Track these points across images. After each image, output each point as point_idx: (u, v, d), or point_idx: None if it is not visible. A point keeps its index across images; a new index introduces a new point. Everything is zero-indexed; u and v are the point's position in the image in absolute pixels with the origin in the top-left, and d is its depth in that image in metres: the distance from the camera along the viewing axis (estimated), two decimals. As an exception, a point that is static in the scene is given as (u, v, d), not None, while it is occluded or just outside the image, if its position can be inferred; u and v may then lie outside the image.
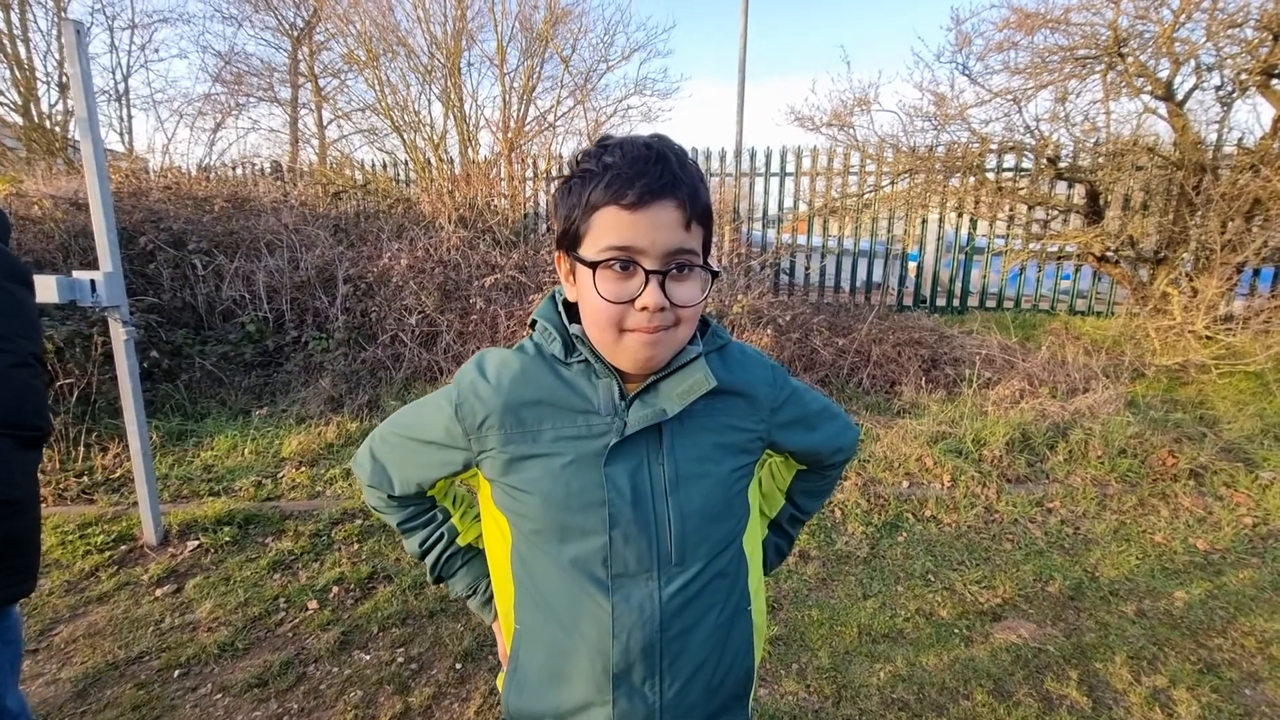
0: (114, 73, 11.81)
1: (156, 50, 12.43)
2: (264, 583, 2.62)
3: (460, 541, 0.99)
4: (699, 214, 0.72)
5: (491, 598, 0.98)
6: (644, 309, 0.70)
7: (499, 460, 0.78)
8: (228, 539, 2.89)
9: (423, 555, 0.98)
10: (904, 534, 3.02)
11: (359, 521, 3.07)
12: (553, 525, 0.77)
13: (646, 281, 0.69)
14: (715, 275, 0.76)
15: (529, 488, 0.77)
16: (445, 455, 0.84)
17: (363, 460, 0.94)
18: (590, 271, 0.70)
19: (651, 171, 0.68)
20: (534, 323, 0.84)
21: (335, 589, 2.57)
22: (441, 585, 1.16)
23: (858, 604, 2.50)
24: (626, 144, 0.71)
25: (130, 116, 9.91)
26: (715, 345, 0.84)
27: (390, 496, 0.92)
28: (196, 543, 2.86)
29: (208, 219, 5.39)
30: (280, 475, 3.55)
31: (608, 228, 0.69)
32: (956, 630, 2.34)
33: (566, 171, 0.77)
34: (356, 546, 2.89)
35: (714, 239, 0.79)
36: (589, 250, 0.71)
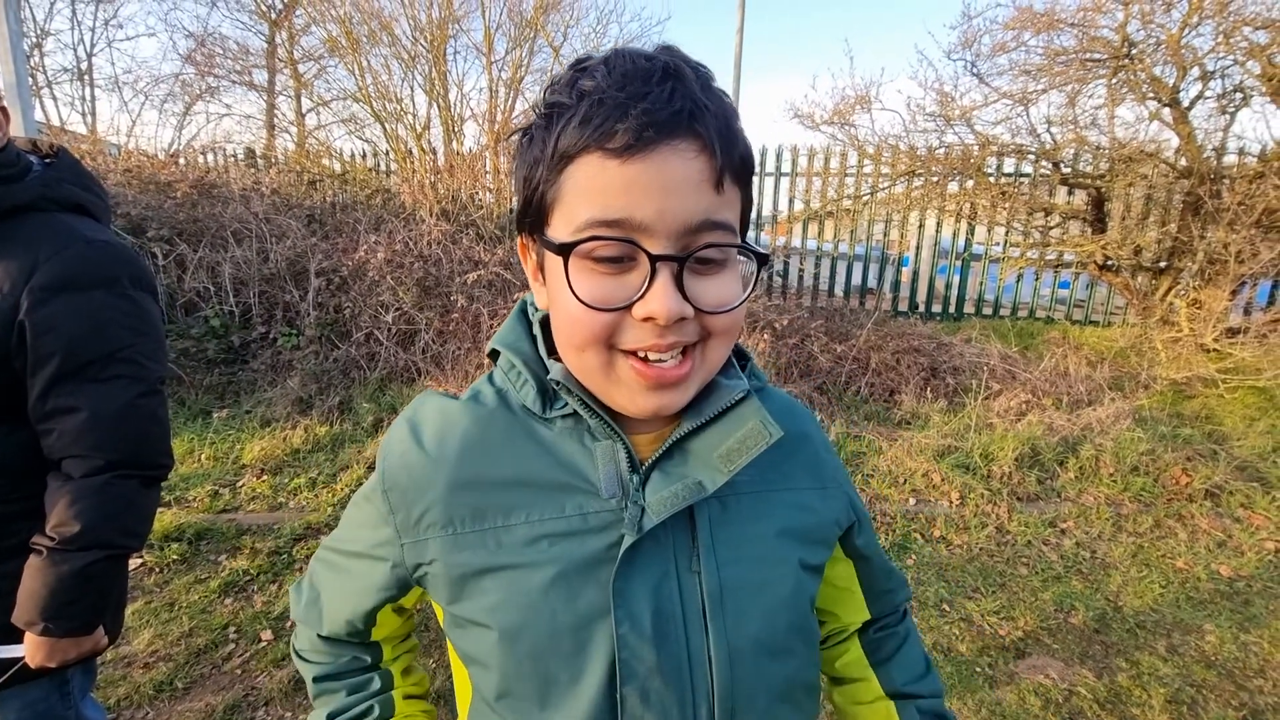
0: (75, 50, 11.23)
1: (121, 26, 11.85)
2: (213, 608, 2.35)
3: None
4: (735, 165, 0.45)
5: None
6: (648, 319, 0.43)
7: (444, 578, 0.51)
8: (175, 557, 2.61)
9: None
10: (913, 556, 2.82)
11: (324, 537, 2.80)
12: (527, 678, 0.49)
13: (653, 275, 0.43)
14: (764, 261, 0.48)
15: (488, 619, 0.50)
16: (373, 572, 0.56)
17: (302, 584, 0.67)
18: (560, 261, 0.44)
19: (656, 93, 0.42)
20: (494, 354, 0.56)
21: (293, 617, 2.31)
22: None
23: (869, 637, 2.30)
24: (615, 58, 0.44)
25: (94, 97, 9.43)
26: (755, 386, 0.57)
27: (319, 637, 0.64)
28: (139, 561, 2.58)
29: (170, 205, 5.05)
30: (239, 484, 3.26)
31: (587, 189, 0.43)
32: (979, 669, 2.15)
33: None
34: (320, 566, 2.63)
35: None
36: (561, 229, 0.45)
